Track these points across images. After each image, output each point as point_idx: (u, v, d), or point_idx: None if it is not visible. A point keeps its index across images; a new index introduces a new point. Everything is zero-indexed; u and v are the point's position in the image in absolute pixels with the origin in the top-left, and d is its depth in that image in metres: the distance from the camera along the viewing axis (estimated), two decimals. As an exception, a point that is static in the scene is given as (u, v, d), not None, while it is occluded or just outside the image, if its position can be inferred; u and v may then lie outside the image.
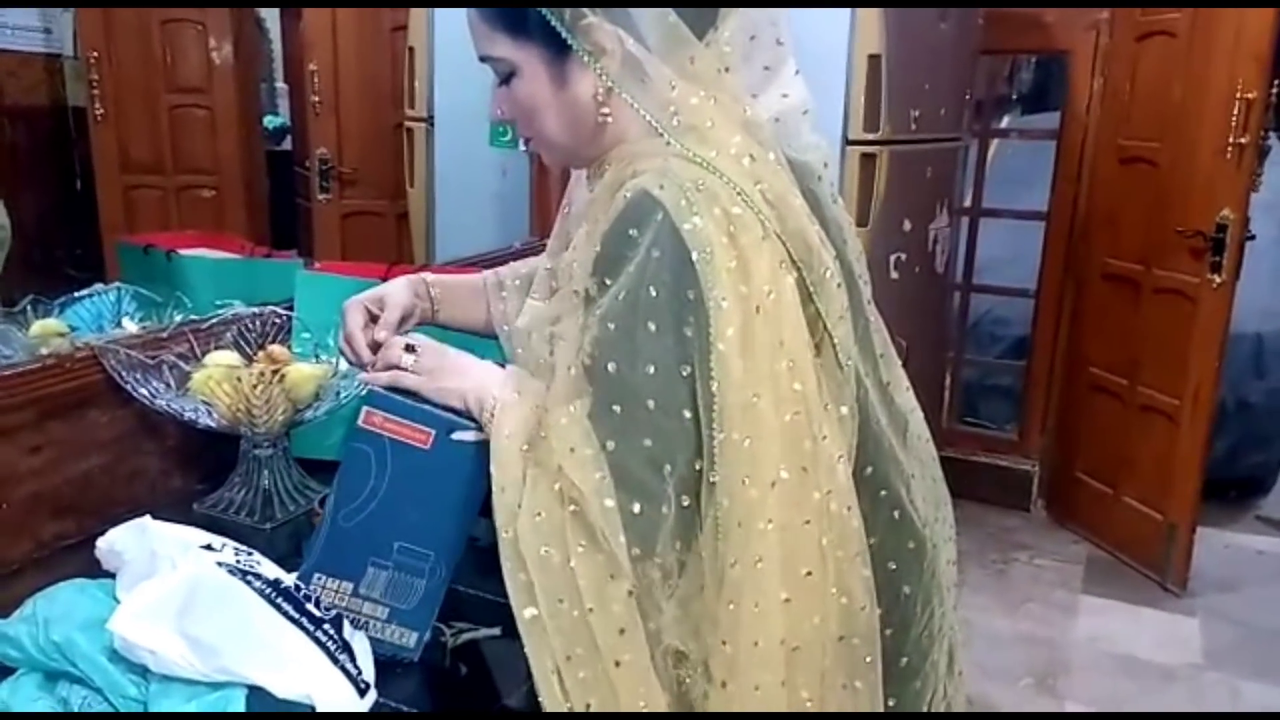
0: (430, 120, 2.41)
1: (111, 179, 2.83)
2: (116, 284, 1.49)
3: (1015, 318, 3.17)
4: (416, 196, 2.52)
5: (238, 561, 0.87)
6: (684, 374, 0.76)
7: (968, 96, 2.60)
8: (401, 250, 2.55)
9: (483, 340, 1.12)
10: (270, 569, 0.88)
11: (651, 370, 0.76)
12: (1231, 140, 2.28)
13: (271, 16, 4.03)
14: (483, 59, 0.88)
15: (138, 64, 2.82)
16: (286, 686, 0.80)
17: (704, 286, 0.75)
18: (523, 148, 0.96)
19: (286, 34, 4.13)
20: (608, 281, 0.78)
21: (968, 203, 3.05)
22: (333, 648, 0.84)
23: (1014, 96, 4.56)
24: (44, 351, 1.22)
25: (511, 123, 0.92)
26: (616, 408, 0.77)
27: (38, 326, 1.32)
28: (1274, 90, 2.24)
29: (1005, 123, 4.08)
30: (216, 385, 1.16)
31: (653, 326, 0.76)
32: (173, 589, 0.82)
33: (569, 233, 0.93)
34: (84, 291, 1.46)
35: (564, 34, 0.82)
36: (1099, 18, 2.72)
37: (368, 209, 2.91)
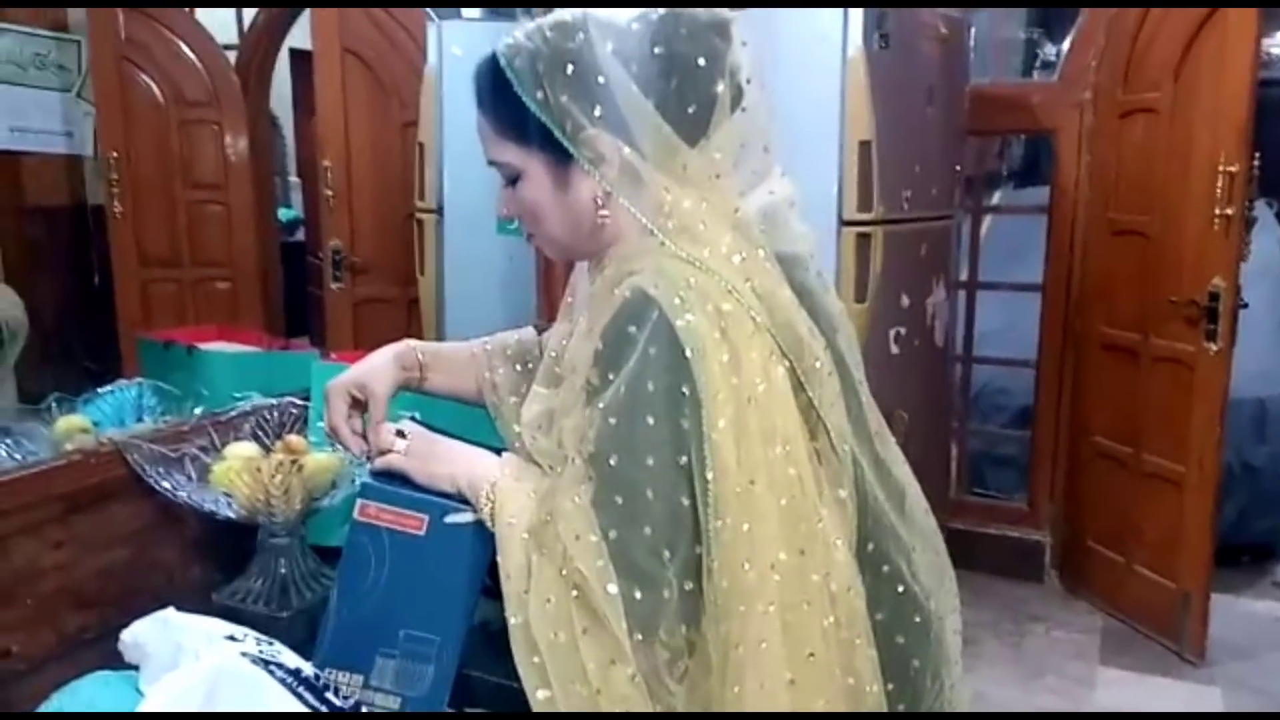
0: (440, 211, 2.49)
1: (129, 274, 2.91)
2: (138, 379, 1.54)
3: (1017, 388, 3.20)
4: (427, 284, 2.59)
5: (260, 652, 0.89)
6: (681, 463, 0.80)
7: (958, 171, 2.68)
8: (411, 335, 2.59)
9: (471, 410, 1.15)
10: (291, 658, 0.90)
11: (651, 461, 0.80)
12: (1218, 211, 2.34)
13: (285, 114, 4.19)
14: (491, 163, 0.94)
15: (156, 162, 2.93)
16: None
17: (697, 380, 0.80)
18: (531, 241, 1.01)
19: (300, 130, 4.29)
20: (610, 376, 0.82)
21: (964, 276, 3.11)
22: None
23: (1005, 172, 4.67)
24: (68, 447, 1.26)
25: (517, 219, 0.98)
26: (618, 498, 0.80)
27: (62, 423, 1.36)
28: (1256, 160, 2.31)
29: (997, 197, 4.17)
30: (236, 476, 1.19)
31: (651, 419, 0.80)
32: (197, 680, 0.84)
33: (572, 321, 0.98)
34: (106, 387, 1.51)
35: (566, 144, 0.87)
36: (1083, 98, 2.82)
37: (379, 296, 2.97)
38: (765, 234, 0.90)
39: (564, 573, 0.81)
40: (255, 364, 1.61)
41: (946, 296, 2.59)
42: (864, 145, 2.22)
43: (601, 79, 0.86)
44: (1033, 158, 4.64)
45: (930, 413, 2.61)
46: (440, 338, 2.51)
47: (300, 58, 3.35)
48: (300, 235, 4.06)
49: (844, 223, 2.25)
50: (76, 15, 2.73)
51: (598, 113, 0.86)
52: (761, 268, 0.87)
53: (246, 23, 3.10)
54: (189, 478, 1.23)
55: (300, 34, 3.00)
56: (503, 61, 0.89)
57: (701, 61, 0.87)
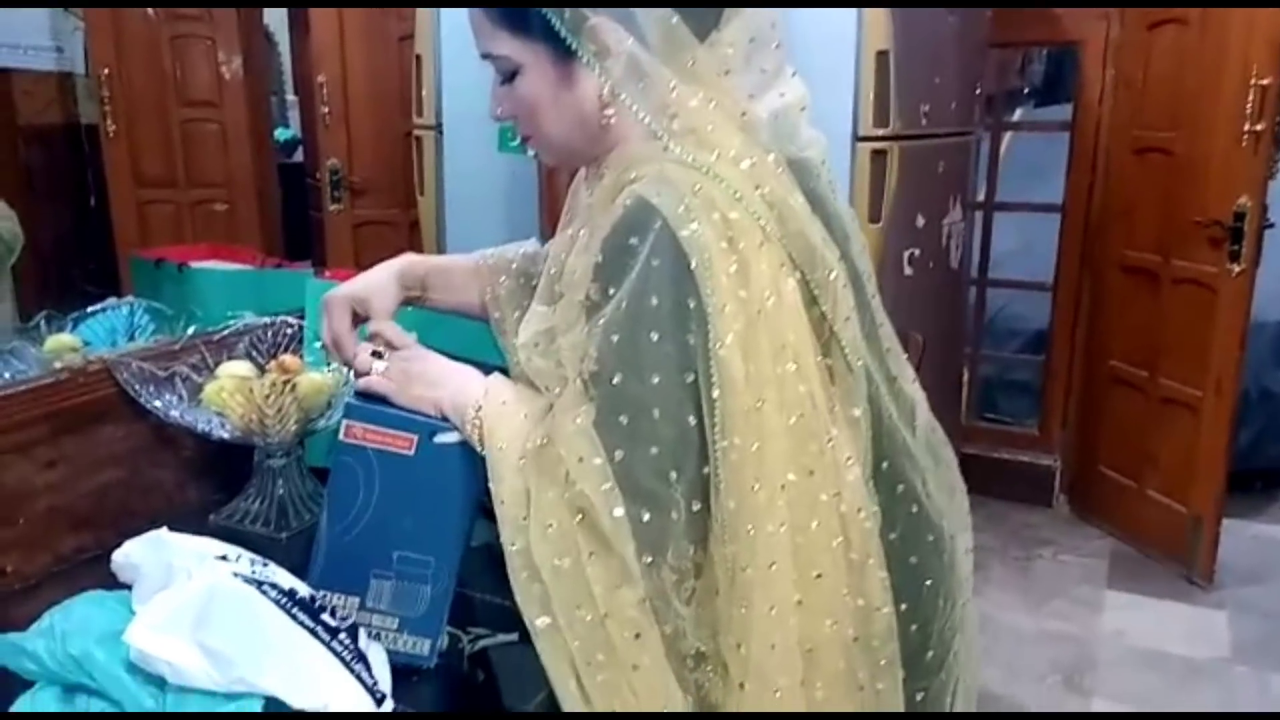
0: (439, 128, 2.41)
1: (125, 194, 2.86)
2: (129, 298, 1.50)
3: (1032, 313, 3.14)
4: (427, 204, 2.52)
5: (253, 571, 0.87)
6: (688, 381, 0.76)
7: (978, 90, 2.58)
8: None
9: (476, 326, 1.11)
10: (285, 579, 0.88)
11: (655, 379, 0.76)
12: (1247, 128, 2.24)
13: (280, 30, 4.06)
14: (484, 56, 0.88)
15: (148, 80, 2.84)
16: (302, 697, 0.80)
17: (703, 293, 0.75)
18: (530, 152, 0.94)
19: (296, 47, 4.16)
20: (610, 290, 0.78)
21: (981, 197, 3.03)
22: (348, 657, 0.84)
23: (1025, 90, 4.53)
24: (57, 366, 1.23)
25: (512, 119, 0.91)
26: (622, 418, 0.77)
27: (51, 341, 1.33)
28: (1291, 75, 2.21)
29: (1017, 115, 4.05)
30: (229, 396, 1.16)
31: (655, 335, 0.76)
32: (189, 600, 0.82)
33: (571, 233, 0.93)
34: (96, 306, 1.47)
35: (567, 36, 0.81)
36: (1109, 8, 2.70)
37: (379, 218, 2.92)
38: (775, 138, 0.85)
39: (566, 496, 0.77)
40: (248, 282, 1.56)
41: (963, 217, 2.51)
42: (881, 55, 2.12)
43: None
44: (1054, 74, 4.50)
45: (944, 337, 2.56)
46: (442, 259, 2.46)
47: (296, -32, 3.23)
48: (299, 156, 3.96)
49: (859, 138, 2.15)
50: (64, -75, 2.63)
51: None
52: (772, 173, 0.82)
53: (238, -71, 2.98)
54: (180, 398, 1.20)
55: (294, -56, 2.88)
56: None
57: None
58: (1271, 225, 2.32)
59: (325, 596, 0.90)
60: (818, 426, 0.79)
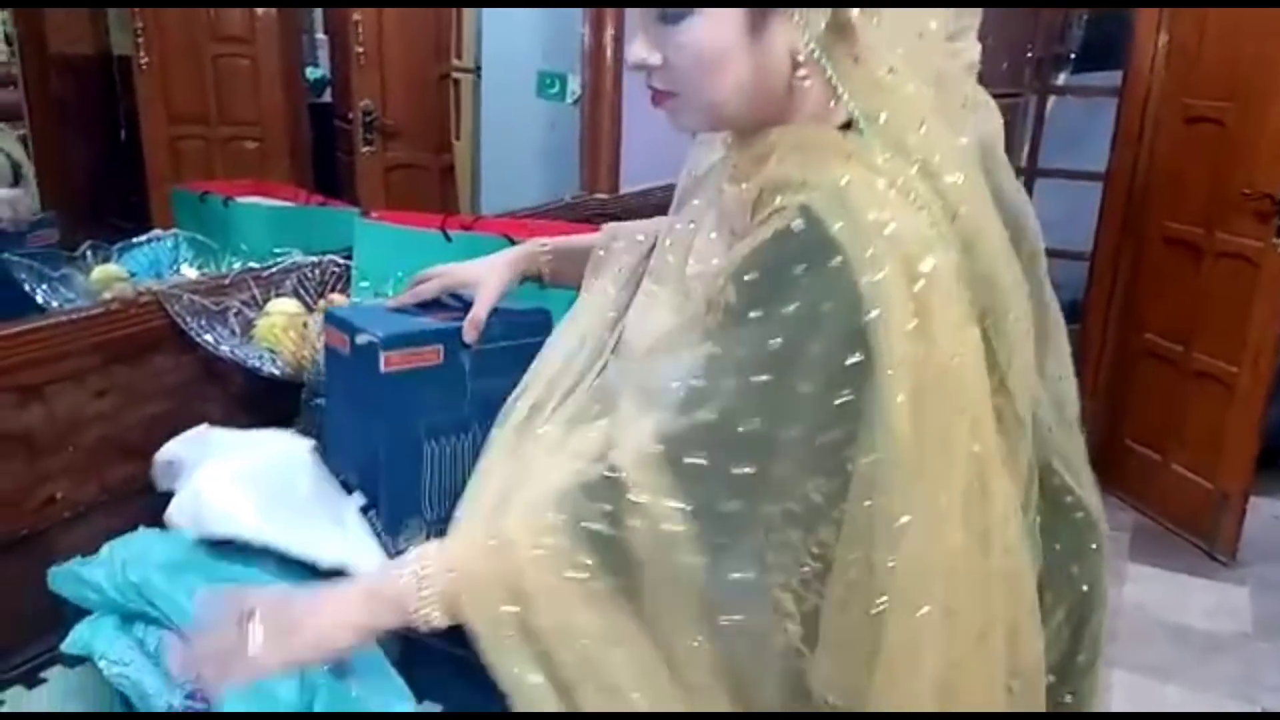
0: (478, 71, 2.38)
1: (158, 129, 2.83)
2: (174, 230, 1.49)
3: (1067, 281, 3.10)
4: (463, 149, 2.51)
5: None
6: (831, 439, 0.66)
7: (1029, 53, 2.53)
8: (446, 203, 2.54)
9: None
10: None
11: (796, 433, 0.66)
12: (1306, 98, 2.20)
13: (310, -38, 4.00)
14: None
15: (181, 13, 2.81)
16: (335, 552, 0.85)
17: (875, 350, 0.65)
18: (655, 104, 0.76)
19: (328, -17, 4.10)
20: (752, 314, 0.67)
21: (1024, 162, 2.98)
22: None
23: (1071, 54, 4.43)
24: (107, 296, 1.23)
25: (653, 70, 0.74)
26: (747, 469, 0.66)
27: (99, 271, 1.33)
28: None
29: (1061, 80, 3.97)
30: (282, 333, 1.16)
31: (807, 387, 0.65)
32: (250, 462, 0.85)
33: (686, 213, 0.84)
34: (142, 237, 1.46)
35: None
36: (1166, -30, 2.63)
37: (412, 161, 2.88)
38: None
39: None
40: (294, 219, 1.56)
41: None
42: (934, 11, 2.08)
43: None
44: (1095, 40, 4.40)
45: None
46: (475, 208, 2.44)
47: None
48: (328, 96, 3.92)
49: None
50: None
51: None
52: (977, 193, 0.71)
53: None
54: (232, 332, 1.20)
55: (332, -124, 2.82)
56: None
57: None
58: (1322, 201, 2.27)
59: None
60: (986, 486, 0.70)
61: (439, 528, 0.93)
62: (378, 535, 0.93)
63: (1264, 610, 2.39)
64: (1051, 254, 2.90)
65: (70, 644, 0.84)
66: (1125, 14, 2.83)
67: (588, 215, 1.90)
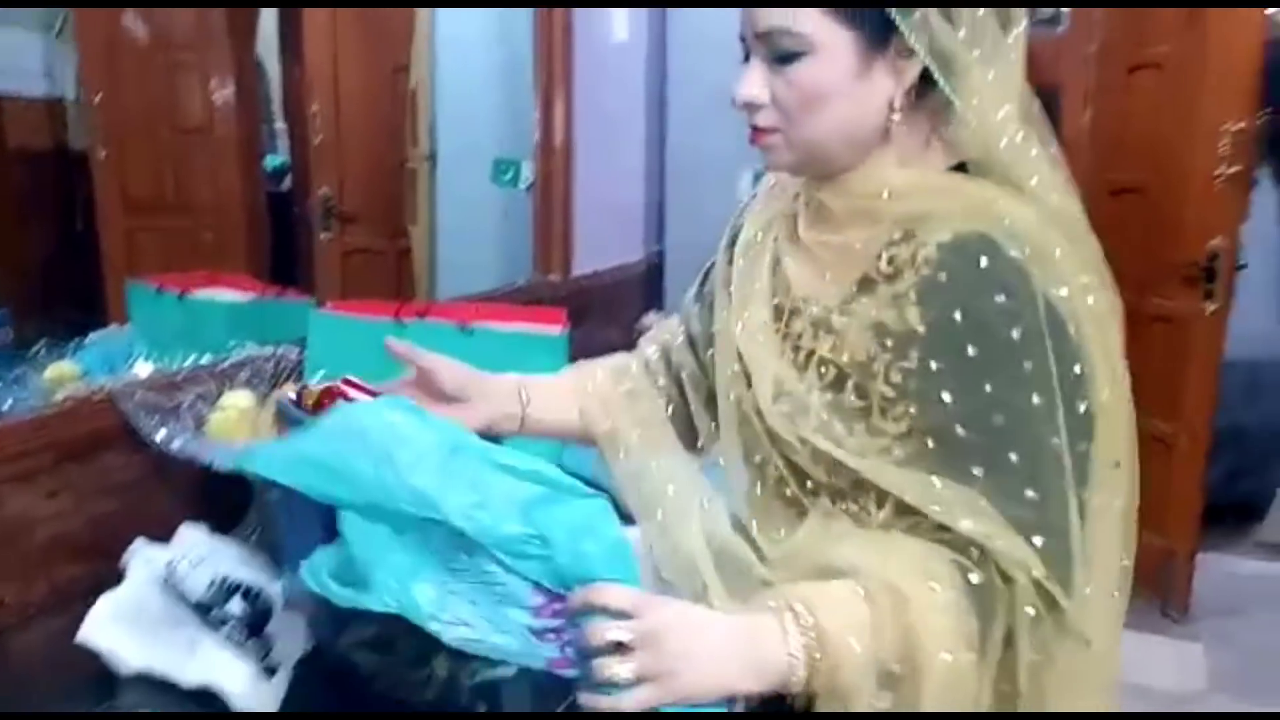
0: (433, 158, 2.45)
1: (114, 219, 2.84)
2: (127, 325, 1.51)
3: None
4: (419, 234, 2.55)
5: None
6: (1076, 453, 0.74)
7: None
8: (402, 287, 2.58)
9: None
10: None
11: (1057, 440, 0.72)
12: (1220, 171, 2.32)
13: (270, 57, 4.08)
14: (764, 34, 0.77)
15: (139, 106, 2.85)
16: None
17: (1084, 358, 0.74)
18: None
19: (286, 75, 4.18)
20: (971, 352, 0.72)
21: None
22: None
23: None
24: (59, 396, 1.24)
25: (762, 107, 0.79)
26: (1029, 491, 0.72)
27: (52, 370, 1.34)
28: (1260, 122, 2.29)
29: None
30: (234, 427, 1.18)
31: (1037, 398, 0.72)
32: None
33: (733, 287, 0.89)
34: (96, 334, 1.48)
35: (897, 20, 0.73)
36: (1088, 51, 2.78)
37: (369, 246, 2.92)
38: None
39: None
40: (249, 312, 1.58)
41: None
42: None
43: None
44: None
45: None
46: (432, 290, 2.48)
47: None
48: (287, 184, 3.98)
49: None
50: (56, -48, 2.65)
51: None
52: (1071, 204, 0.79)
53: (232, -38, 3.00)
54: (185, 428, 1.21)
55: (287, -25, 2.90)
56: None
57: None
58: (1244, 266, 2.38)
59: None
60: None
61: (388, 617, 0.94)
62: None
63: (1218, 665, 2.42)
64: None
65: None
66: (1056, 95, 2.97)
67: (540, 298, 1.95)
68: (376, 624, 0.92)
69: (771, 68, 0.78)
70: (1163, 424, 2.57)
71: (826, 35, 0.75)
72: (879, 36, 0.75)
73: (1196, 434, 2.48)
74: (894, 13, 0.73)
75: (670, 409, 1.02)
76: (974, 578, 0.71)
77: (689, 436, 1.00)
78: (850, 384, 0.78)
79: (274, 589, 1.04)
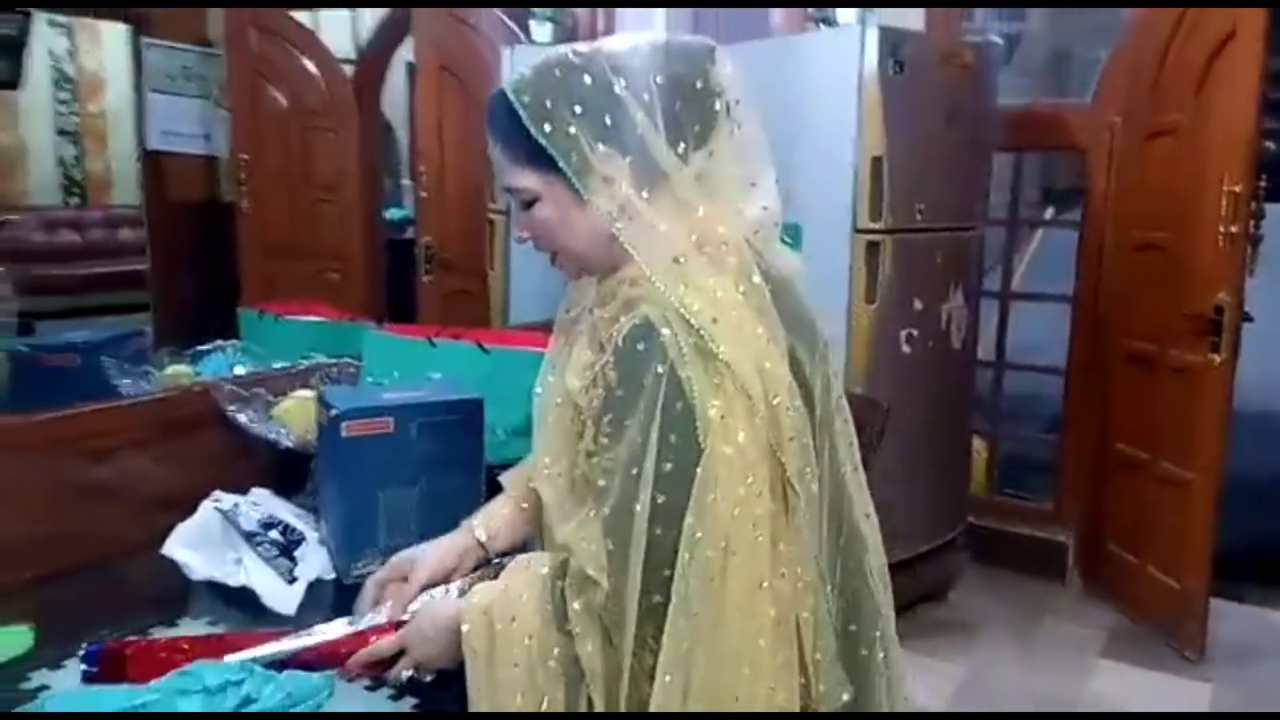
0: (506, 213, 2.84)
1: (255, 263, 3.35)
2: (233, 341, 1.93)
3: (1052, 395, 3.33)
4: (496, 277, 2.95)
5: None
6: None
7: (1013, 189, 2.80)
8: (483, 320, 2.97)
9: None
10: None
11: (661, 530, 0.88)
12: (1223, 229, 2.45)
13: (399, 122, 4.62)
14: (507, 189, 0.99)
15: (279, 164, 3.36)
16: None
17: (701, 433, 0.88)
18: (553, 264, 1.05)
19: (414, 137, 4.71)
20: (625, 424, 0.89)
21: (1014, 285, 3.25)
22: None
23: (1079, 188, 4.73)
24: (170, 386, 1.64)
25: (534, 240, 1.02)
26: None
27: (170, 370, 1.76)
28: (1261, 184, 2.42)
29: (1049, 213, 4.27)
30: (293, 413, 1.54)
31: (663, 496, 0.88)
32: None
33: (568, 338, 1.06)
34: (207, 346, 1.89)
35: (571, 177, 0.93)
36: (1113, 120, 2.95)
37: (462, 288, 3.34)
38: (757, 252, 0.96)
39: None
40: (325, 331, 1.97)
41: (965, 303, 2.76)
42: (876, 161, 2.45)
43: (608, 109, 0.92)
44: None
45: (946, 412, 2.80)
46: (505, 322, 2.86)
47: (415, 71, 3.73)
48: (411, 233, 4.46)
49: (857, 230, 2.48)
50: (217, 31, 3.17)
51: (606, 137, 0.92)
52: (756, 295, 0.93)
53: (363, 39, 3.53)
54: (257, 413, 1.59)
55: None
56: (512, 97, 0.94)
57: (699, 84, 0.94)
58: (1250, 319, 2.49)
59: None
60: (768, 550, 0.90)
61: (388, 554, 1.23)
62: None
63: (1223, 704, 2.47)
64: (1030, 369, 3.21)
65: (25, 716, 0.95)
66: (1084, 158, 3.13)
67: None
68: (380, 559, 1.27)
69: (524, 214, 1.00)
70: (1180, 470, 2.68)
71: (541, 184, 0.96)
72: (579, 169, 0.93)
73: (1209, 479, 2.57)
74: (565, 167, 0.92)
75: None
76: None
77: None
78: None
79: (310, 531, 1.38)
